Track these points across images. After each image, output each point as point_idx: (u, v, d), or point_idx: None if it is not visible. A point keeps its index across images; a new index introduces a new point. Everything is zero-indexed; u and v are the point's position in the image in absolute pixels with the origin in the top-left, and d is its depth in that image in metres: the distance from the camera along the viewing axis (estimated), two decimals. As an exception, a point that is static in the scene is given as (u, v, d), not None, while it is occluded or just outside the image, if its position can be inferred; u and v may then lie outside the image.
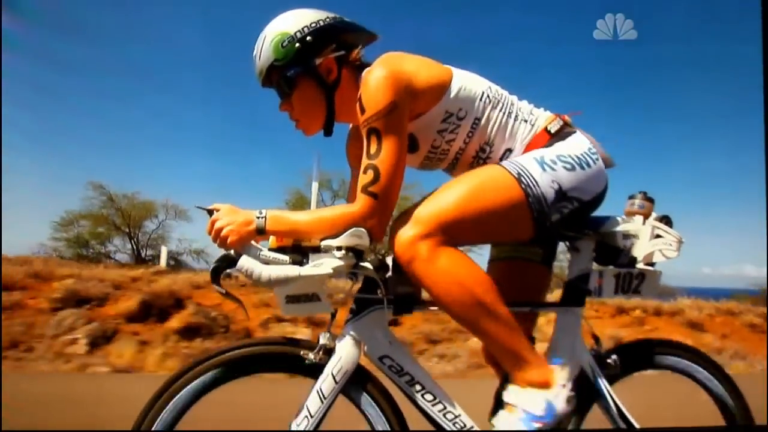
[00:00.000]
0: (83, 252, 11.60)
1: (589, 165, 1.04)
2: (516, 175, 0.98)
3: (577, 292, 1.13)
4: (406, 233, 0.93)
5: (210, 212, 1.00)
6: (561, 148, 1.05)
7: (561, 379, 1.00)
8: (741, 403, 1.18)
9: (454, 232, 0.95)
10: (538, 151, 1.03)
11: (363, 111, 0.97)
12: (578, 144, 1.06)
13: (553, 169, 1.00)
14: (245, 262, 0.93)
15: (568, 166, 1.01)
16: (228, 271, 0.94)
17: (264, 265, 0.94)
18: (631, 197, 1.16)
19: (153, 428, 0.96)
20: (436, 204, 0.96)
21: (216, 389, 0.99)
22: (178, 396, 0.97)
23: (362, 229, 0.95)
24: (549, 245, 1.22)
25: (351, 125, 1.23)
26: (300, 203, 11.69)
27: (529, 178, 0.98)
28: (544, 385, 0.98)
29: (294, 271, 0.94)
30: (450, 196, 0.96)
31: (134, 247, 11.96)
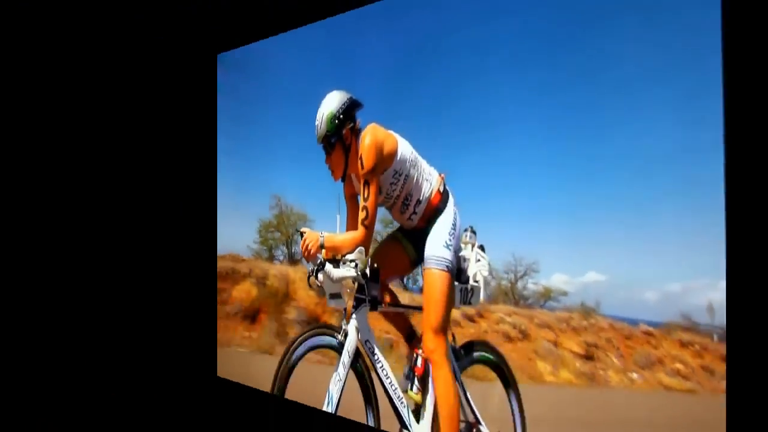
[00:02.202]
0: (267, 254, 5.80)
1: (456, 223, 1.57)
2: (447, 270, 1.52)
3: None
4: (432, 342, 1.49)
5: (301, 234, 1.44)
6: (448, 220, 1.56)
7: None
8: (514, 384, 1.84)
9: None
10: (443, 236, 1.54)
11: (362, 167, 1.47)
12: (452, 210, 1.58)
13: (452, 243, 1.54)
14: (329, 267, 1.39)
15: (453, 233, 1.56)
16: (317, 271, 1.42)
17: (335, 268, 1.41)
18: (465, 230, 1.63)
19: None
20: (439, 319, 1.50)
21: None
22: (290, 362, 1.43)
23: (362, 248, 1.48)
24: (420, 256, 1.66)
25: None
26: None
27: (450, 263, 1.52)
28: None
29: (351, 272, 1.41)
30: (442, 309, 1.51)
31: (289, 250, 6.83)
